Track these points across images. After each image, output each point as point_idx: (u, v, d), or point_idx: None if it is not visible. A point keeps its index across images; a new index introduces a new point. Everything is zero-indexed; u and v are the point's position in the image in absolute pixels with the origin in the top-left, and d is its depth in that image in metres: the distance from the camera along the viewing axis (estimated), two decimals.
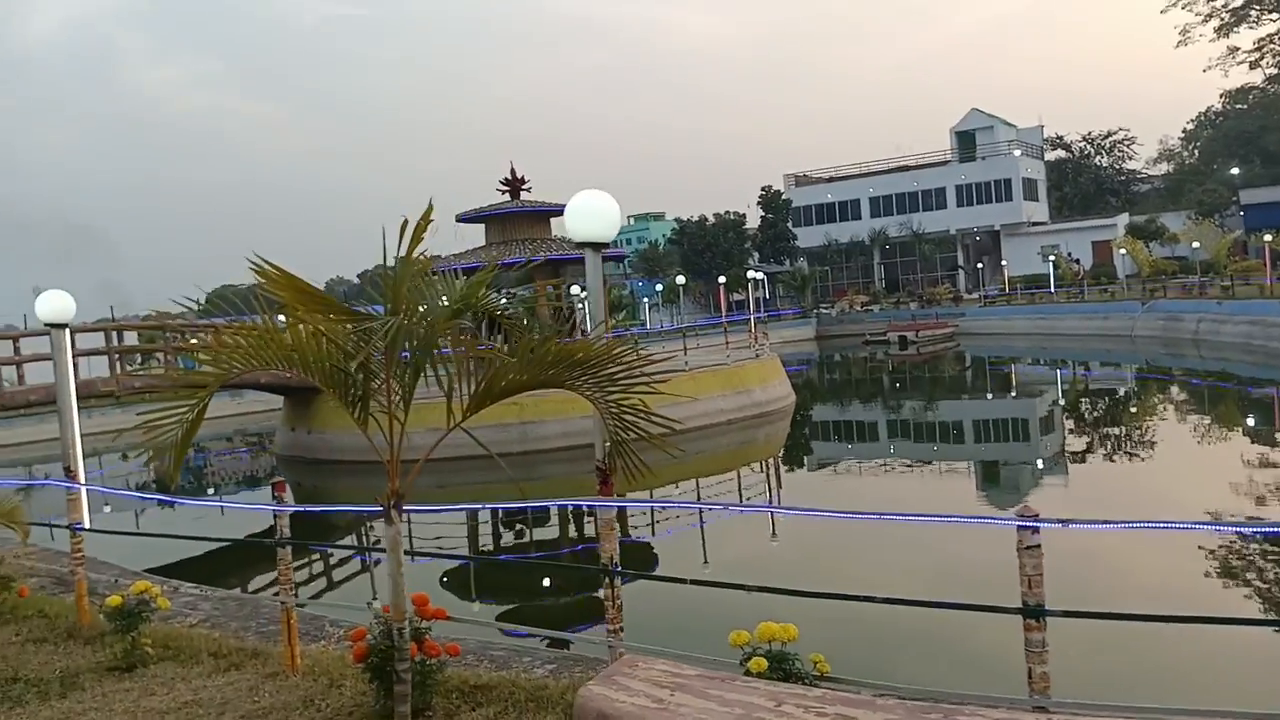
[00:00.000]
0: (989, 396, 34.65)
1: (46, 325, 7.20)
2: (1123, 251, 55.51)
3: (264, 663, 6.23)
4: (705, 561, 12.22)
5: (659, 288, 57.92)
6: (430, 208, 3.42)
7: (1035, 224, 66.18)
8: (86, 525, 7.40)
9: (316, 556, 17.68)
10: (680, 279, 48.37)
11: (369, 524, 20.09)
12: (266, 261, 3.50)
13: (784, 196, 68.91)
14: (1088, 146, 79.91)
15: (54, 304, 7.11)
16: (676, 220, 71.60)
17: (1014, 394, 34.64)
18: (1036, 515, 3.61)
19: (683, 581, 4.44)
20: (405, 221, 3.28)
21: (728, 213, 68.01)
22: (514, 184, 31.81)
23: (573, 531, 18.61)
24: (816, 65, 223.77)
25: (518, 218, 31.10)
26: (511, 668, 5.86)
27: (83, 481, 7.32)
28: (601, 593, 4.63)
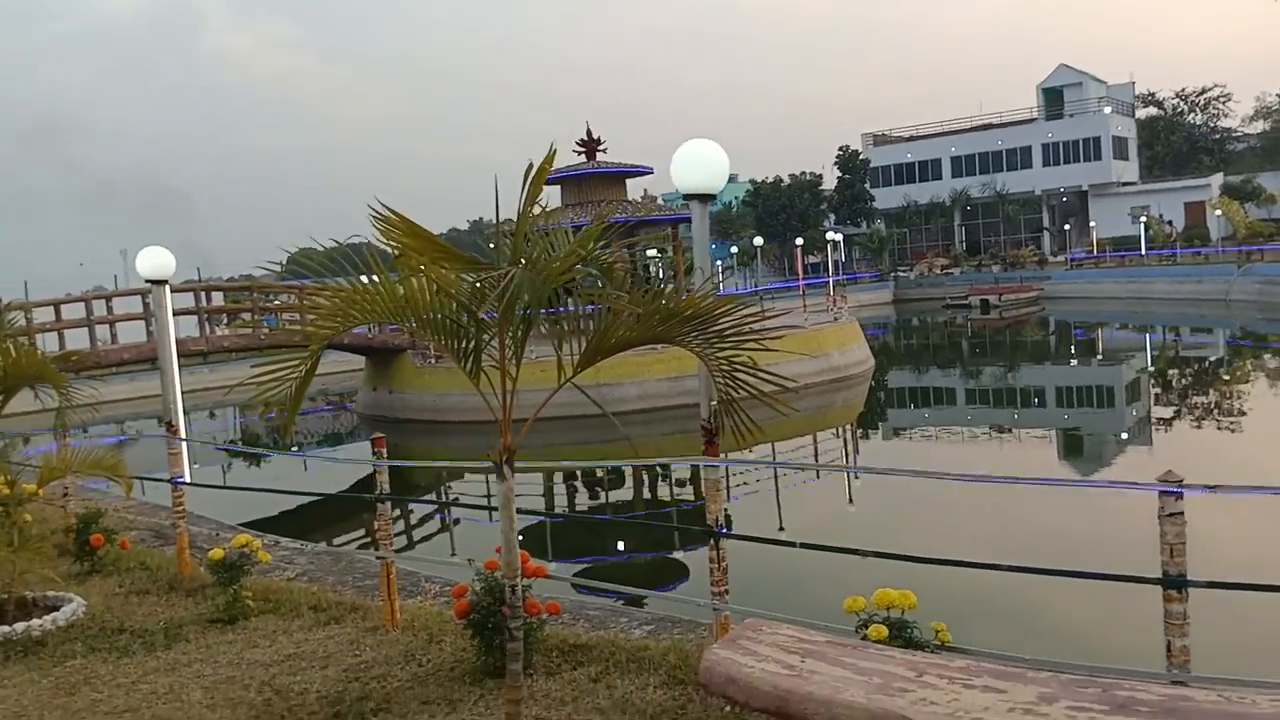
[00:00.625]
0: (1073, 362, 33.73)
1: (147, 281, 7.29)
2: (1218, 213, 53.39)
3: (363, 617, 6.28)
4: (780, 526, 12.09)
5: (734, 250, 57.40)
6: (552, 153, 3.30)
7: (1125, 184, 63.94)
8: (187, 479, 7.52)
9: (398, 512, 18.01)
10: (757, 241, 47.79)
11: (447, 483, 20.42)
12: (388, 208, 3.42)
13: (861, 156, 67.55)
14: (1180, 104, 76.77)
15: (154, 260, 7.19)
16: (751, 182, 70.70)
17: (1100, 359, 33.67)
18: (1180, 480, 3.40)
19: (792, 545, 4.32)
20: (530, 165, 3.17)
21: (803, 174, 66.92)
22: (590, 145, 31.66)
23: (646, 493, 18.62)
24: (895, 22, 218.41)
25: (593, 179, 30.99)
26: (609, 627, 5.82)
27: (183, 436, 7.43)
28: (706, 553, 4.52)
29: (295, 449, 26.36)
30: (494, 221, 3.81)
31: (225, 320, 33.63)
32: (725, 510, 4.61)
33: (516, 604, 3.74)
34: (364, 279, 3.73)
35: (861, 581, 4.41)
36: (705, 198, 4.49)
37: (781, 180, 66.64)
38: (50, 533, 9.22)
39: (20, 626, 6.34)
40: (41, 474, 7.03)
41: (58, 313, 22.32)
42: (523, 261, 3.28)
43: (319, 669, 5.41)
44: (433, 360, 26.97)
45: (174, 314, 23.48)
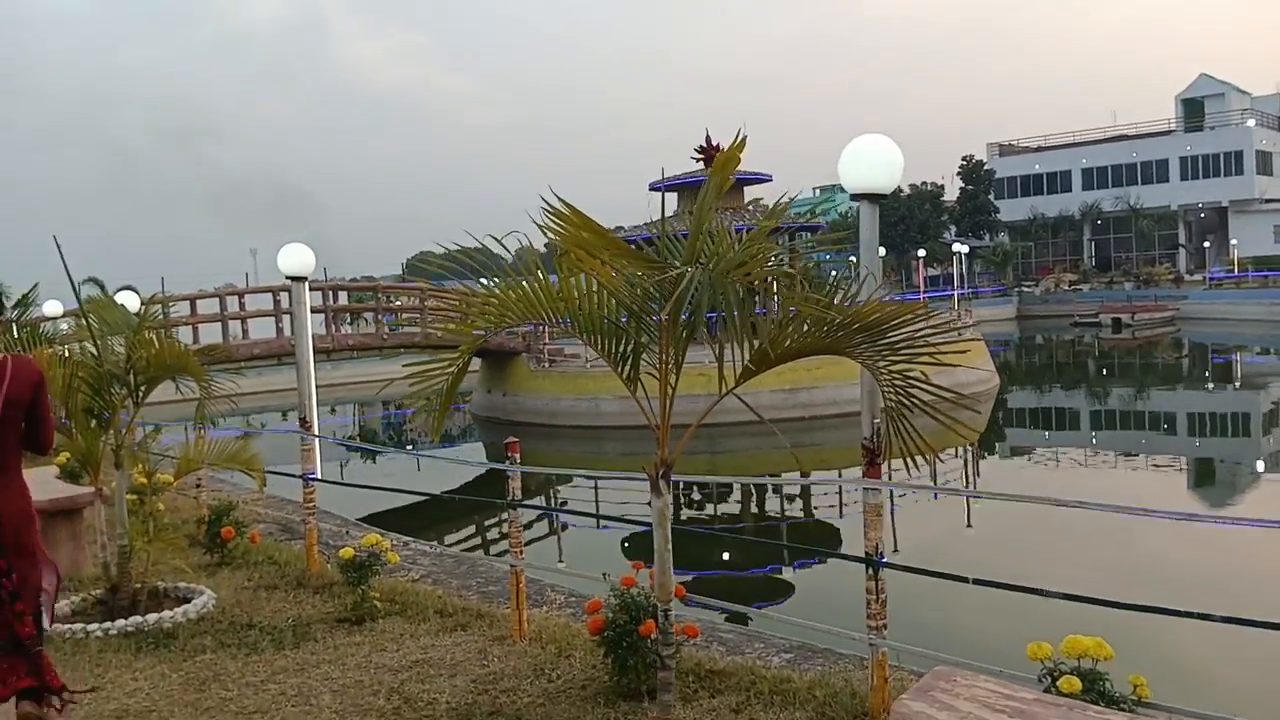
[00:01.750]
0: (1209, 387, 31.96)
1: (288, 277, 7.31)
2: None
3: (490, 625, 6.13)
4: (896, 549, 11.57)
5: (852, 260, 56.39)
6: (741, 140, 3.03)
7: (1269, 200, 60.60)
8: (318, 475, 7.52)
9: (508, 516, 18.02)
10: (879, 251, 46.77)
11: (555, 487, 20.39)
12: (563, 201, 3.22)
13: (986, 167, 65.62)
14: None
15: (296, 257, 7.21)
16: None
17: (1237, 385, 31.83)
18: None
19: (964, 580, 3.95)
20: (717, 148, 2.93)
21: (924, 184, 65.36)
22: (709, 152, 31.34)
23: (753, 507, 18.23)
24: (1025, 29, 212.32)
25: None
26: (744, 653, 5.52)
27: (316, 433, 7.43)
28: (865, 585, 4.19)
29: (410, 448, 26.76)
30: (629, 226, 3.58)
31: (349, 319, 34.57)
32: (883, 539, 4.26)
33: (669, 629, 3.49)
34: (520, 279, 3.52)
35: (1014, 622, 4.04)
36: (876, 197, 4.17)
37: (901, 190, 65.22)
38: (181, 523, 9.43)
39: (153, 617, 6.38)
40: (179, 465, 7.10)
41: (193, 307, 23.15)
42: (699, 261, 3.02)
43: (447, 678, 5.26)
44: (547, 364, 27.09)
45: (256, 316, 24.01)
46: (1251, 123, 60.55)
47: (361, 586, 6.41)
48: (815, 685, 4.66)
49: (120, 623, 6.30)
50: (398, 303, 31.45)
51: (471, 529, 16.51)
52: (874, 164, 4.10)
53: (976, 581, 3.94)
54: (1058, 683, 3.39)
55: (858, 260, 4.22)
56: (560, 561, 11.65)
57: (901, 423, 3.72)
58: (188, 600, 6.83)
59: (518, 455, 5.81)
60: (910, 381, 3.49)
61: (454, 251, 3.90)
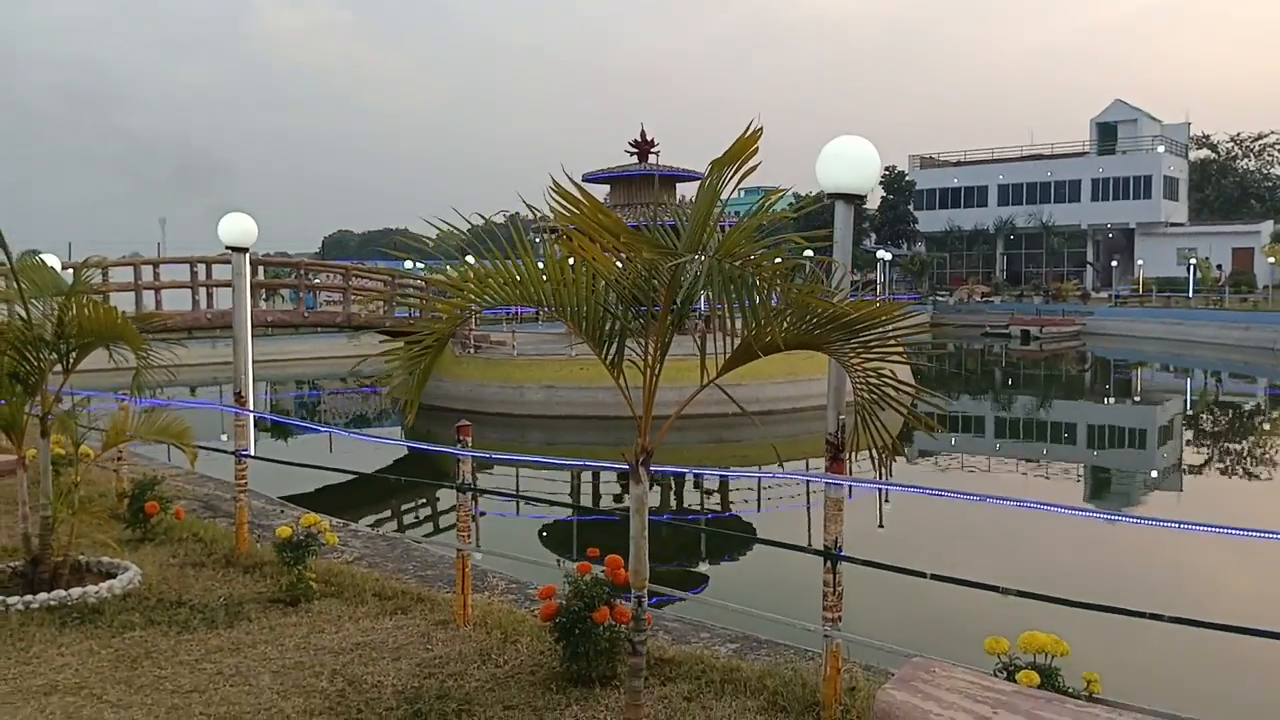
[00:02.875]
0: (1110, 400, 33.21)
1: (227, 248, 7.11)
2: (1271, 260, 52.55)
3: (431, 609, 6.05)
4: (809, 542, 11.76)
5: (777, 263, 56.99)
6: (758, 132, 3.02)
7: (1173, 225, 63.13)
8: (252, 452, 7.33)
9: (424, 499, 17.85)
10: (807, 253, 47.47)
11: (475, 473, 20.19)
12: (573, 182, 3.19)
13: (907, 178, 67.01)
14: (1235, 148, 75.85)
15: (237, 226, 7.01)
16: (795, 195, 70.21)
17: (1137, 399, 33.13)
18: None
19: (921, 575, 4.04)
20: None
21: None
22: (643, 146, 31.43)
23: (672, 500, 18.35)
24: (946, 46, 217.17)
25: (644, 181, 30.74)
26: (690, 642, 5.56)
27: (251, 408, 7.24)
28: (823, 577, 4.26)
29: (324, 428, 26.18)
30: (531, 215, 3.60)
31: (265, 295, 33.75)
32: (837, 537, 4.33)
33: (642, 615, 3.49)
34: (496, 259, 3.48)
35: (939, 613, 4.15)
36: (851, 198, 4.23)
37: (824, 196, 66.13)
38: (99, 496, 9.11)
39: (76, 592, 6.16)
40: (108, 436, 6.86)
41: (105, 275, 22.34)
42: (703, 248, 3.02)
43: (390, 660, 5.18)
44: (472, 350, 26.82)
45: (222, 285, 23.37)
46: (1161, 149, 62.92)
47: (298, 567, 6.28)
48: (765, 675, 4.72)
49: (42, 596, 6.07)
50: (316, 280, 30.86)
51: (390, 511, 16.29)
52: (852, 164, 4.16)
53: (934, 577, 4.03)
54: (1015, 676, 3.50)
55: (824, 259, 4.27)
56: (477, 548, 11.51)
57: (871, 419, 3.78)
58: (112, 575, 6.61)
59: (469, 439, 5.76)
60: (884, 379, 3.55)
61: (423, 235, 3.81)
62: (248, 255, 7.21)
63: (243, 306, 7.11)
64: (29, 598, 6.05)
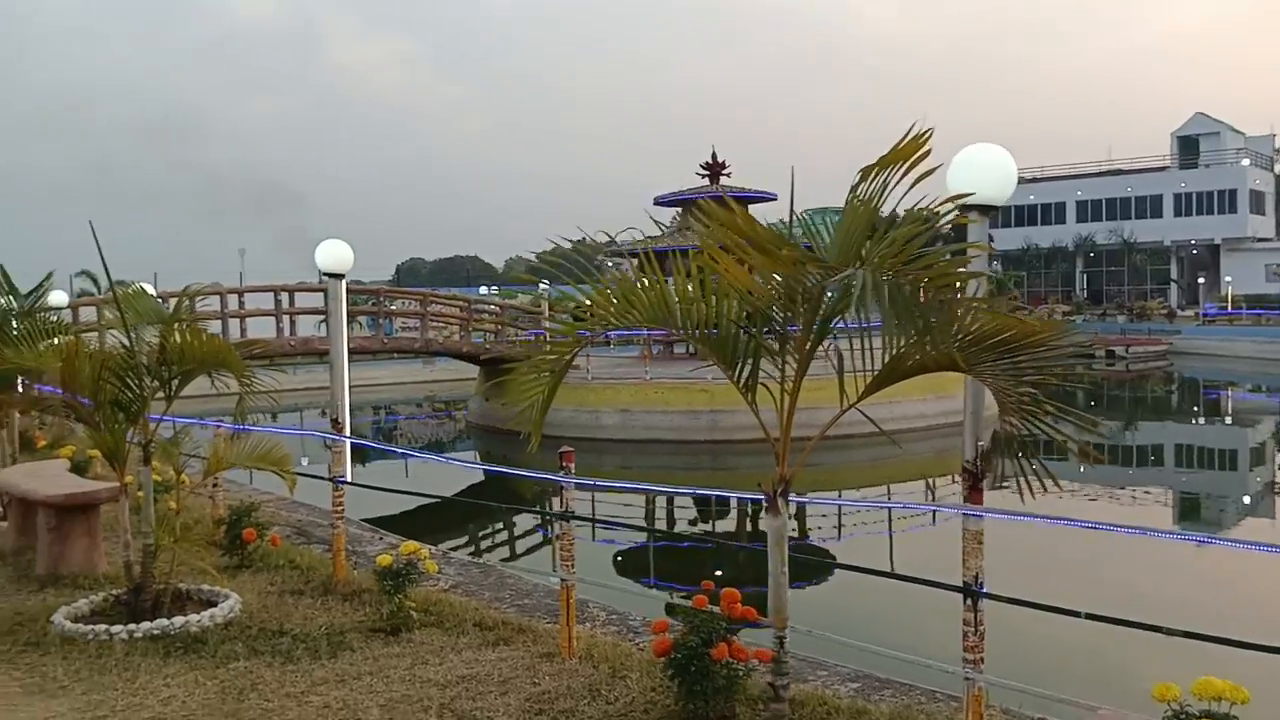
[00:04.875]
0: (1199, 421, 32.01)
1: (324, 275, 7.10)
2: None
3: (533, 640, 5.89)
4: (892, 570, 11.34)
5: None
6: (926, 133, 2.82)
7: (1260, 240, 61.05)
8: (348, 478, 7.28)
9: (500, 524, 17.78)
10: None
11: (552, 497, 20.11)
12: (732, 194, 3.04)
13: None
14: None
15: (334, 253, 7.00)
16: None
17: (1228, 420, 31.90)
18: None
19: (1075, 615, 3.76)
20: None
21: (915, 208, 65.46)
22: (714, 168, 31.32)
23: (748, 525, 18.03)
24: (1021, 59, 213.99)
25: (718, 203, 30.59)
26: (807, 680, 5.30)
27: (348, 434, 7.19)
28: (963, 615, 3.99)
29: (418, 453, 26.26)
30: (598, 239, 3.41)
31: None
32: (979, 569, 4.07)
33: (784, 658, 3.28)
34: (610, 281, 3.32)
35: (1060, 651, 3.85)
36: (987, 209, 3.99)
37: (897, 215, 65.34)
38: (194, 522, 9.15)
39: (179, 621, 6.12)
40: (208, 464, 6.86)
41: (240, 302, 23.03)
42: (862, 260, 2.83)
43: (498, 695, 5.03)
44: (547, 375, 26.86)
45: (303, 313, 23.72)
46: (1246, 162, 61.03)
47: (398, 596, 6.17)
48: (897, 718, 4.46)
49: (145, 625, 6.04)
50: (394, 306, 31.20)
51: (466, 536, 16.25)
52: (987, 172, 3.93)
53: (1090, 617, 3.75)
54: None
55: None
56: (554, 570, 11.30)
57: (1021, 446, 3.53)
58: (212, 604, 6.57)
59: (572, 465, 5.60)
60: (1043, 403, 3.30)
61: (548, 253, 3.67)
62: (344, 281, 7.18)
63: (339, 332, 7.08)
64: (133, 626, 6.02)
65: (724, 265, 3.03)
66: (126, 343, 6.28)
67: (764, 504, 3.44)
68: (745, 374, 3.47)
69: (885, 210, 3.01)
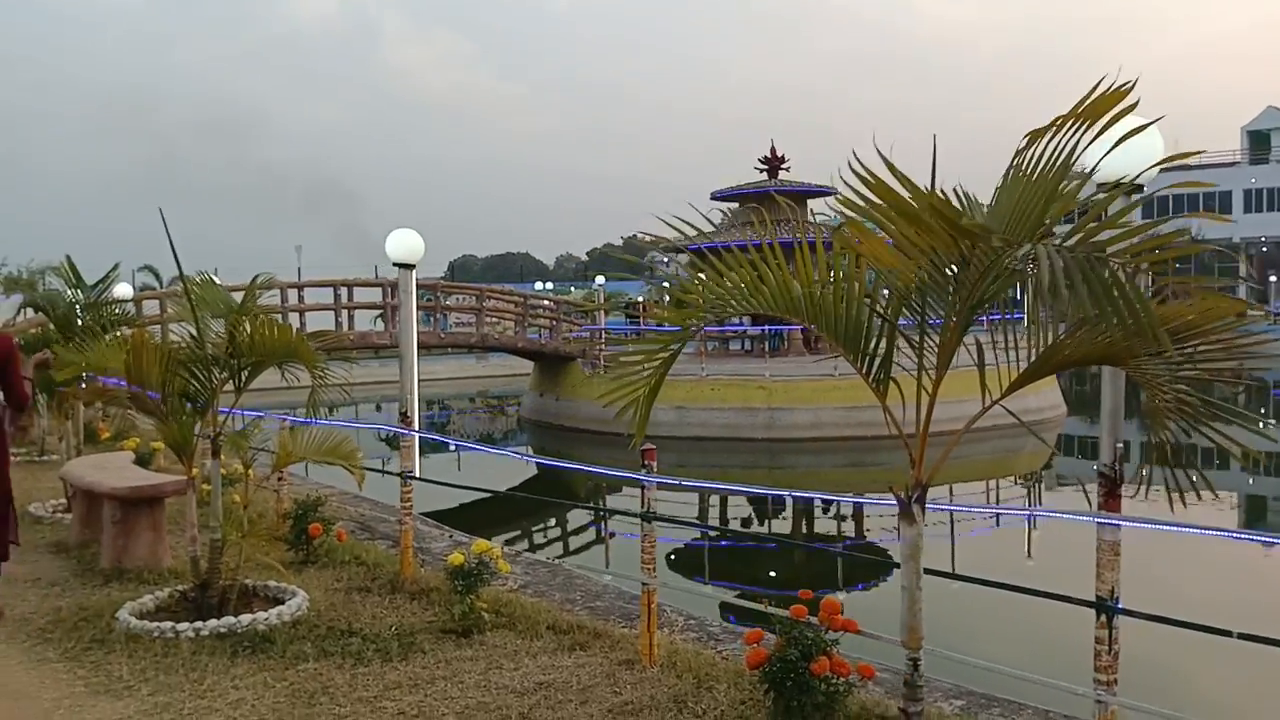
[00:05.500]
0: (1271, 425, 30.89)
1: (395, 264, 6.90)
2: None
3: (611, 646, 5.63)
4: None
5: None
6: (1125, 86, 2.47)
7: None
8: (417, 473, 7.07)
9: (554, 520, 17.57)
10: None
11: (605, 494, 19.88)
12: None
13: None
14: None
15: (404, 243, 6.80)
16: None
17: None
18: None
19: (1227, 634, 3.41)
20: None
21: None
22: (773, 162, 30.95)
23: (803, 526, 17.66)
24: (1079, 55, 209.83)
25: (773, 196, 30.18)
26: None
27: (417, 428, 6.98)
28: (1095, 634, 3.65)
29: (452, 447, 26.18)
30: (645, 237, 3.09)
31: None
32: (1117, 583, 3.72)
33: (918, 683, 2.98)
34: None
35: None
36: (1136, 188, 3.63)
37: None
38: (258, 516, 9.01)
39: (246, 619, 5.94)
40: (277, 458, 6.69)
41: (300, 296, 23.16)
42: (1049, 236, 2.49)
43: (578, 704, 4.77)
44: (602, 370, 26.62)
45: (361, 308, 23.71)
46: None
47: (469, 597, 5.94)
48: None
49: (212, 623, 5.87)
50: (449, 301, 31.22)
51: (519, 531, 16.05)
52: (1130, 152, 3.57)
53: (1243, 636, 3.39)
54: None
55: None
56: (607, 569, 11.03)
57: (1172, 448, 3.18)
58: (279, 601, 6.40)
59: (654, 464, 5.32)
60: (1208, 402, 2.95)
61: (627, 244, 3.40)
62: (414, 272, 6.97)
63: (409, 324, 6.88)
64: (199, 624, 5.86)
65: (868, 245, 2.73)
66: (194, 333, 6.11)
67: (897, 510, 3.13)
68: (876, 366, 3.15)
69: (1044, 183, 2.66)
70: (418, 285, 26.89)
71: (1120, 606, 3.64)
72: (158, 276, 41.44)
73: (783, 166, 30.86)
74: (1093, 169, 2.62)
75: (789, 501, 18.64)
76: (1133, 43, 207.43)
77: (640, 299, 58.57)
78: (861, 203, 2.61)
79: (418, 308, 31.78)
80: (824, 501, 18.28)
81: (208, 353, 6.07)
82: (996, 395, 3.33)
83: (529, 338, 27.59)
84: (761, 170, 30.91)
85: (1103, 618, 3.65)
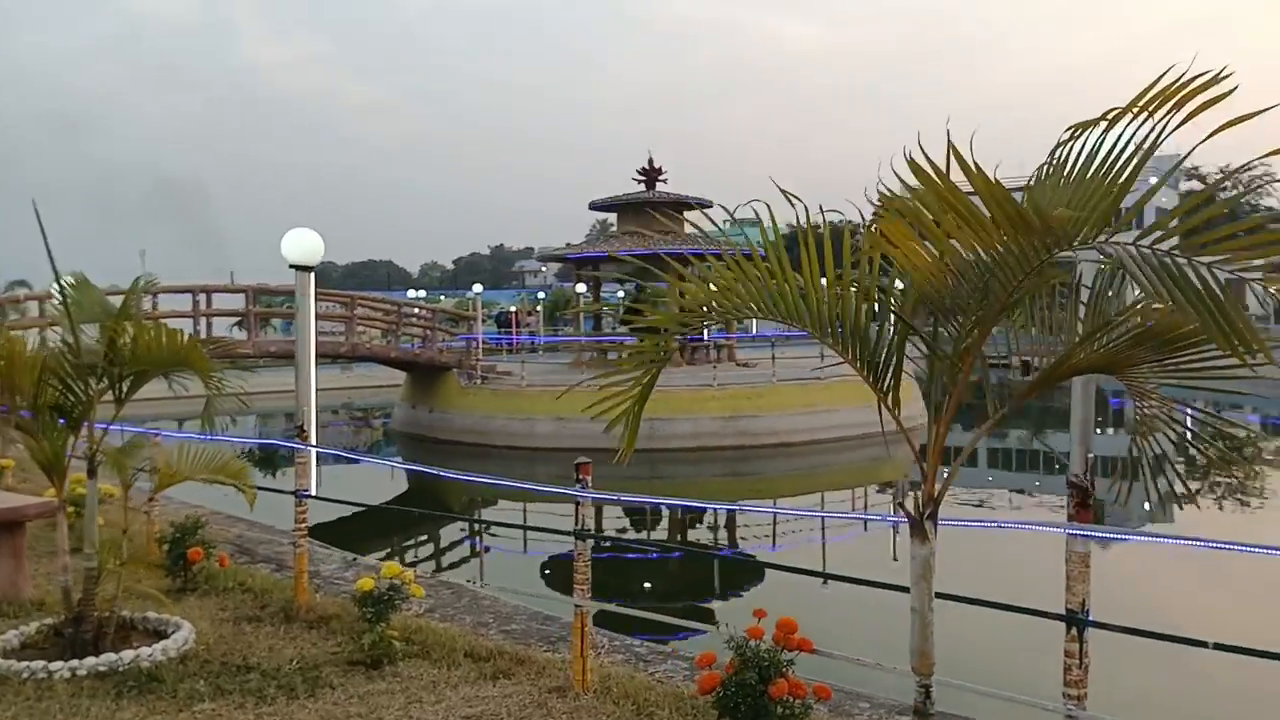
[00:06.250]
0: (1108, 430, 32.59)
1: (292, 266, 6.41)
2: None
3: (537, 673, 5.31)
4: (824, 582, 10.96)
5: None
6: (1222, 72, 2.26)
7: None
8: (313, 491, 6.59)
9: (425, 535, 17.02)
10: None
11: (481, 507, 19.41)
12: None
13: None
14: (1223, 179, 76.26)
15: (302, 243, 6.33)
16: (788, 225, 69.98)
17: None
18: None
19: (1202, 645, 3.37)
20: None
21: (845, 221, 66.28)
22: (650, 173, 30.97)
23: (676, 535, 17.61)
24: (939, 81, 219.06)
25: (652, 208, 30.21)
26: (852, 714, 4.85)
27: (314, 443, 6.51)
28: (1065, 646, 3.58)
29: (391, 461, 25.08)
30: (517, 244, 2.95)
31: (261, 325, 32.83)
32: None
33: (929, 710, 2.81)
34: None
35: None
36: None
37: (818, 227, 65.88)
38: (126, 540, 8.31)
39: (128, 655, 5.37)
40: (160, 477, 6.12)
41: (154, 302, 21.73)
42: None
43: None
44: (479, 381, 26.04)
45: (220, 315, 22.44)
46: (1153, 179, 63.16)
47: (380, 625, 5.53)
48: None
49: (90, 660, 5.28)
50: (323, 308, 30.04)
51: (387, 549, 15.43)
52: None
53: (1218, 647, 3.36)
54: None
55: None
56: (482, 583, 10.63)
57: (1151, 458, 3.13)
58: (162, 634, 5.84)
59: (589, 478, 5.06)
60: (1210, 415, 2.89)
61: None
62: (313, 275, 6.50)
63: (308, 332, 6.40)
64: (74, 662, 5.26)
65: (903, 245, 2.55)
66: (69, 340, 5.51)
67: (909, 528, 2.95)
68: (888, 376, 2.98)
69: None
70: (277, 291, 25.62)
71: (1090, 619, 3.58)
72: (55, 271, 38.57)
73: (660, 177, 30.92)
74: (1186, 154, 2.50)
75: (665, 511, 18.57)
76: (1008, 61, 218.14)
77: (514, 308, 58.01)
78: (906, 197, 2.43)
79: (278, 316, 30.18)
80: (697, 511, 18.29)
81: (84, 361, 5.49)
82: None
83: (402, 347, 26.75)
84: (640, 181, 30.89)
85: (1073, 631, 3.58)
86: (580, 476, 5.00)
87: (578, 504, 5.01)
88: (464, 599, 7.49)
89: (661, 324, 3.24)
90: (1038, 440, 29.28)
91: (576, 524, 5.03)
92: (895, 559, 13.04)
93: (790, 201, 2.88)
